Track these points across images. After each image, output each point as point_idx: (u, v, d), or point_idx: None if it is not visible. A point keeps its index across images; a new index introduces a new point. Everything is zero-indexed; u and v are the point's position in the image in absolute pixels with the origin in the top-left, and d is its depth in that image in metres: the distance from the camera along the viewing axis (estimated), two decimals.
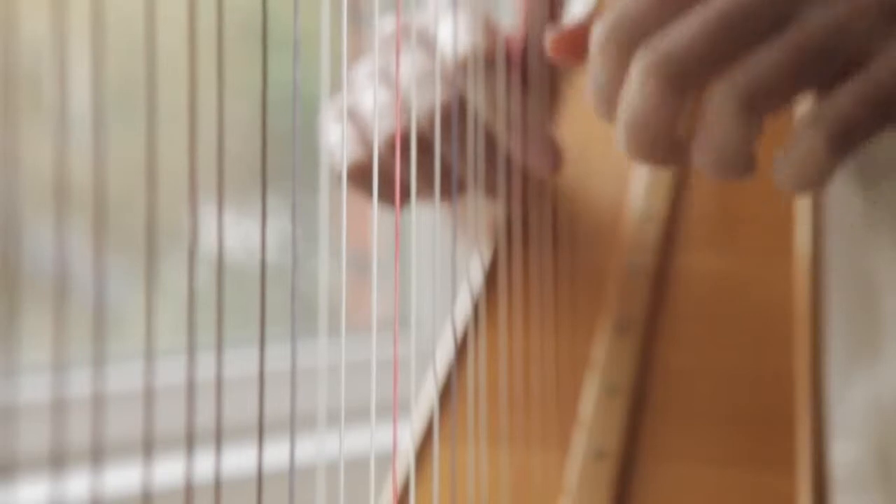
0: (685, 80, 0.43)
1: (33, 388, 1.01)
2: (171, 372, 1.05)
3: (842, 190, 0.71)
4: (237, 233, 1.18)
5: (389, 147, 0.59)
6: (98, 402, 0.33)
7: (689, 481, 0.55)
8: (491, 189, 0.61)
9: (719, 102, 0.42)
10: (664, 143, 0.44)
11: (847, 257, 0.72)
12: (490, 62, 0.59)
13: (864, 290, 0.72)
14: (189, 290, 0.36)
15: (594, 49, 0.45)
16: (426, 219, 1.16)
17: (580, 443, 0.56)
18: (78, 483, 0.33)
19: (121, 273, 1.13)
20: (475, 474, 0.55)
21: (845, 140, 0.43)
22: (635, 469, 0.55)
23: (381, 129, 0.59)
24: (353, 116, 0.62)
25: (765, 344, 0.58)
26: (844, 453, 0.72)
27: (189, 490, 0.36)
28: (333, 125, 0.62)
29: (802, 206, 0.63)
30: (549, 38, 0.50)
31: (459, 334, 0.61)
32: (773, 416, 0.56)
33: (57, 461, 0.31)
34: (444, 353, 0.61)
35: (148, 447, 0.35)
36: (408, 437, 0.58)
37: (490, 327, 0.61)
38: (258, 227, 0.42)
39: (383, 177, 0.60)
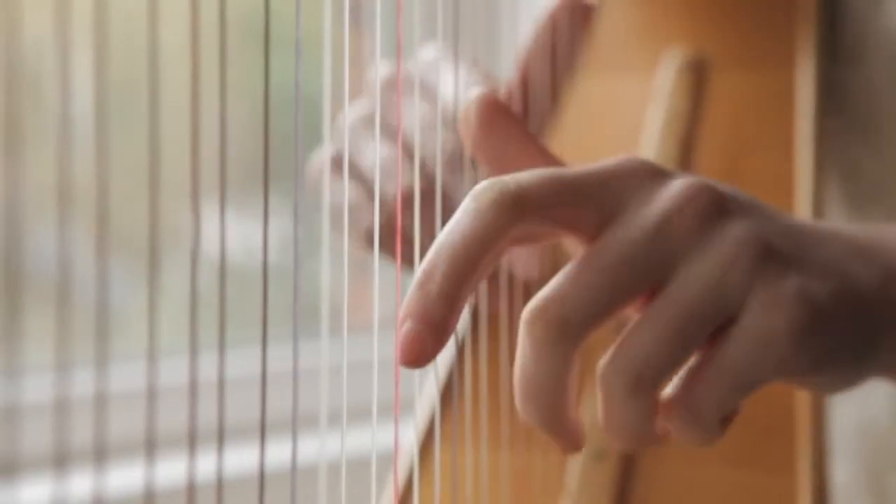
0: (570, 333, 0.42)
1: (36, 388, 1.01)
2: (173, 372, 1.05)
3: (841, 194, 0.72)
4: (239, 233, 1.18)
5: (404, 206, 0.58)
6: (101, 402, 0.33)
7: (689, 482, 0.55)
8: None
9: (608, 389, 0.42)
10: (557, 407, 0.43)
11: None
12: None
13: None
14: (191, 290, 0.36)
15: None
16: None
17: None
18: (80, 482, 0.33)
19: (123, 273, 1.13)
20: (476, 474, 0.56)
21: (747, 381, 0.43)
22: (635, 470, 0.56)
23: (391, 187, 0.58)
24: (356, 172, 0.61)
25: None
26: (838, 474, 0.72)
27: (191, 490, 0.36)
28: (333, 179, 0.61)
29: (802, 209, 0.63)
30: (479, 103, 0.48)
31: (460, 335, 0.61)
32: (772, 417, 0.56)
33: (60, 461, 0.32)
34: (445, 353, 0.61)
35: (150, 447, 0.35)
36: (409, 438, 0.58)
37: (491, 327, 0.61)
38: (260, 228, 0.42)
39: (399, 235, 0.59)
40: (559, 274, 0.43)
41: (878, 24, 0.69)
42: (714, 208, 0.43)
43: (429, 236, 0.57)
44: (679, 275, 0.42)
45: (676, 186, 0.43)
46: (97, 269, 0.34)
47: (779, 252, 0.43)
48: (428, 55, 0.61)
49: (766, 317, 0.42)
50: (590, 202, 0.43)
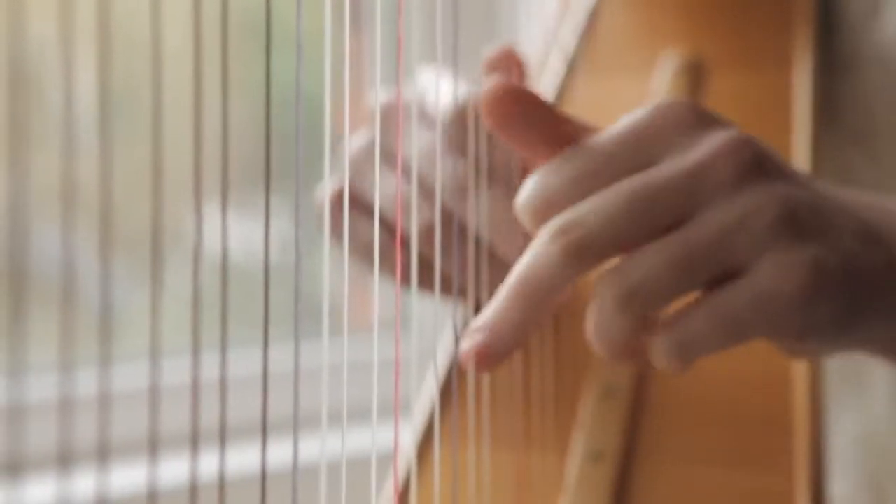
0: (585, 253, 0.44)
1: (40, 388, 1.01)
2: (175, 372, 1.05)
3: (841, 175, 0.72)
4: (240, 233, 1.18)
5: (426, 240, 0.57)
6: (104, 402, 0.33)
7: (687, 483, 0.55)
8: None
9: (600, 297, 0.44)
10: (546, 307, 0.45)
11: None
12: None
13: None
14: (194, 290, 0.37)
15: (518, 205, 0.47)
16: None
17: (579, 444, 0.56)
18: (84, 482, 0.33)
19: (126, 274, 1.13)
20: (475, 474, 0.56)
21: (689, 354, 0.44)
22: (633, 470, 0.56)
23: (412, 222, 0.58)
24: (362, 205, 0.60)
25: (763, 345, 0.59)
26: (839, 486, 0.72)
27: (194, 489, 0.36)
28: (353, 221, 0.60)
29: None
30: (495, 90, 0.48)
31: (460, 335, 0.61)
32: (770, 418, 0.56)
33: (63, 460, 0.32)
34: (444, 353, 0.61)
35: (153, 446, 0.35)
36: (409, 438, 0.58)
37: None
38: (261, 228, 0.42)
39: (427, 268, 0.59)
40: (589, 198, 0.44)
41: (873, 35, 0.69)
42: (751, 165, 0.44)
43: (442, 262, 0.57)
44: (700, 215, 0.44)
45: (719, 137, 0.45)
46: (100, 269, 0.34)
47: (802, 220, 0.44)
48: (427, 78, 0.61)
49: (776, 277, 0.43)
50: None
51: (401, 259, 0.56)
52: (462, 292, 0.60)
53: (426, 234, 0.57)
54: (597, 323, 0.44)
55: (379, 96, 0.61)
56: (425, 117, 0.59)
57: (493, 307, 0.45)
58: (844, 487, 0.72)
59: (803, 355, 0.49)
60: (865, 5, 0.70)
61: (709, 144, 0.45)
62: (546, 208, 0.46)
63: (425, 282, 0.59)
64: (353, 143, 0.62)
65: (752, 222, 0.43)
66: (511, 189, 0.58)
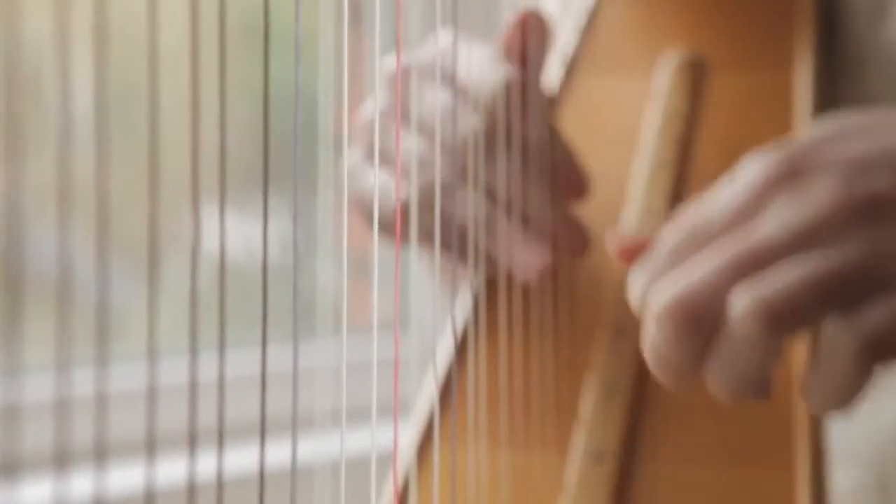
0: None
1: (37, 388, 1.01)
2: (173, 372, 1.05)
3: None
4: (239, 233, 1.18)
5: (430, 191, 0.57)
6: (101, 402, 0.33)
7: (688, 482, 0.55)
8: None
9: (739, 319, 0.41)
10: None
11: None
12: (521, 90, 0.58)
13: None
14: (191, 290, 0.36)
15: (653, 312, 0.44)
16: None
17: (579, 443, 0.56)
18: (81, 482, 0.33)
19: (123, 273, 1.13)
20: (475, 474, 0.56)
21: (879, 350, 0.41)
22: (634, 470, 0.56)
23: (426, 176, 0.58)
24: (386, 161, 0.60)
25: None
26: (845, 482, 0.72)
27: (191, 489, 0.36)
28: (365, 171, 0.61)
29: None
30: (612, 245, 0.48)
31: (459, 335, 0.61)
32: (771, 417, 0.56)
33: (60, 461, 0.32)
34: (444, 353, 0.61)
35: (151, 447, 0.35)
36: (408, 438, 0.58)
37: (490, 328, 0.61)
38: (259, 228, 0.42)
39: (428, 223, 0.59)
40: (700, 258, 0.43)
41: (878, 40, 0.69)
42: (861, 215, 0.42)
43: (459, 221, 0.57)
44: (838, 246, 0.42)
45: (824, 190, 0.43)
46: (97, 269, 0.34)
47: None
48: (444, 41, 0.61)
49: None
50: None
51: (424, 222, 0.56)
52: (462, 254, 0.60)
53: (427, 192, 0.57)
54: (736, 353, 0.42)
55: (396, 60, 0.61)
56: (446, 78, 0.59)
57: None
58: (851, 480, 0.72)
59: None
60: (870, 8, 0.70)
61: (815, 199, 0.43)
62: (695, 316, 0.43)
63: (427, 237, 0.59)
64: (366, 106, 0.62)
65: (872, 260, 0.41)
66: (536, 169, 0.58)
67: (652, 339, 0.43)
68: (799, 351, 0.57)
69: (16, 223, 0.32)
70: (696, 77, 0.70)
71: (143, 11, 0.35)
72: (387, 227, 0.59)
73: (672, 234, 0.45)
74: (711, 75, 0.71)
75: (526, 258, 0.59)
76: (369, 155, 0.61)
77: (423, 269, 0.74)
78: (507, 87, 0.58)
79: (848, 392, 0.42)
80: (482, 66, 0.59)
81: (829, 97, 0.70)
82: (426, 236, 0.58)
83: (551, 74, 0.73)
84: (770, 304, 0.41)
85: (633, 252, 0.47)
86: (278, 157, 0.48)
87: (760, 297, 0.41)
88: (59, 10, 0.32)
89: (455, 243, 0.57)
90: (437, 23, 0.57)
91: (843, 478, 0.72)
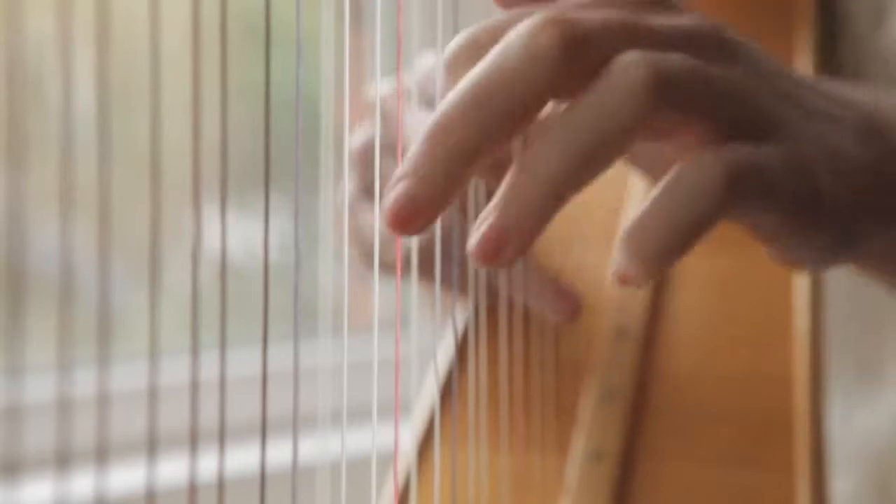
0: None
1: (38, 388, 1.01)
2: (174, 371, 1.05)
3: None
4: (240, 233, 1.18)
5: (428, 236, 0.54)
6: (102, 402, 0.33)
7: (688, 482, 0.55)
8: None
9: (628, 65, 0.35)
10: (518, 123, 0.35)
11: (847, 278, 0.72)
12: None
13: (864, 312, 0.72)
14: (193, 290, 0.37)
15: (446, 63, 0.38)
16: None
17: (579, 444, 0.56)
18: (82, 482, 0.33)
19: (125, 273, 1.13)
20: (475, 474, 0.56)
21: (738, 184, 0.36)
22: (634, 470, 0.56)
23: None
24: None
25: (763, 345, 0.59)
26: (844, 484, 0.72)
27: (193, 489, 0.36)
28: (363, 211, 0.58)
29: None
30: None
31: (460, 335, 0.61)
32: (771, 417, 0.56)
33: (62, 460, 0.32)
34: (445, 353, 0.61)
35: (152, 446, 0.35)
36: (409, 438, 0.58)
37: (491, 328, 0.61)
38: (260, 228, 0.42)
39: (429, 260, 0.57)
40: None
41: (877, 43, 0.69)
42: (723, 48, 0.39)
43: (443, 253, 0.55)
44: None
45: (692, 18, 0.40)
46: (99, 268, 0.34)
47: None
48: (427, 63, 0.61)
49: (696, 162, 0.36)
50: None
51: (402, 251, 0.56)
52: (462, 287, 0.59)
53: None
54: (608, 103, 0.35)
55: (379, 87, 0.60)
56: (426, 102, 0.58)
57: (436, 119, 0.35)
58: (849, 484, 0.72)
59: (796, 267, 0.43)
60: (870, 14, 0.70)
61: (689, 19, 0.39)
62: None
63: (427, 273, 0.58)
64: (356, 138, 0.61)
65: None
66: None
67: (505, 51, 0.35)
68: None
69: (18, 223, 0.32)
70: None
71: (145, 12, 0.35)
72: (387, 266, 0.57)
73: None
74: None
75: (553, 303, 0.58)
76: (364, 188, 0.60)
77: (421, 302, 0.73)
78: None
79: (687, 232, 0.36)
80: None
81: None
82: (427, 273, 0.55)
83: None
84: (663, 67, 0.35)
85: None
86: (279, 156, 0.48)
87: (655, 57, 0.36)
88: (60, 10, 0.32)
89: (456, 278, 0.56)
90: (438, 23, 0.57)
91: (841, 483, 0.72)
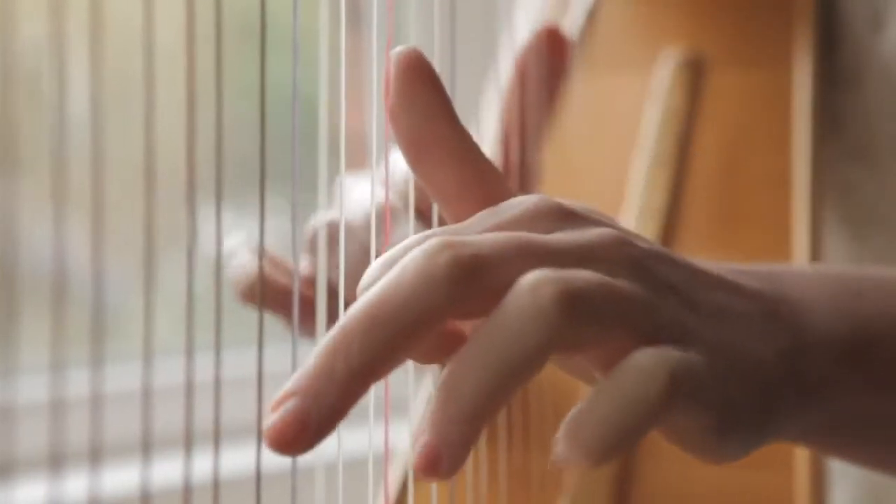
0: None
1: (32, 389, 1.01)
2: (169, 372, 1.05)
3: (843, 188, 0.72)
4: (236, 233, 1.17)
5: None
6: (96, 403, 0.33)
7: (689, 482, 0.55)
8: None
9: (534, 286, 0.35)
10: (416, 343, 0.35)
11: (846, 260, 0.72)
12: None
13: None
14: (188, 290, 0.36)
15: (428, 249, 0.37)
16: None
17: None
18: (76, 483, 0.33)
19: (119, 273, 1.13)
20: (474, 474, 0.55)
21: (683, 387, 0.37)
22: (634, 470, 0.55)
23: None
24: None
25: None
26: (839, 496, 0.72)
27: (187, 490, 0.36)
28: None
29: (802, 206, 0.63)
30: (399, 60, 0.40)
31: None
32: None
33: (55, 461, 0.32)
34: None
35: (146, 447, 0.35)
36: (406, 437, 0.58)
37: None
38: (257, 228, 0.42)
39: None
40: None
41: (875, 49, 0.69)
42: (636, 257, 0.39)
43: None
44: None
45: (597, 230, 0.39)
46: (93, 269, 0.34)
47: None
48: (359, 194, 0.59)
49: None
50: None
51: None
52: None
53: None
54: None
55: (319, 220, 0.58)
56: (352, 234, 0.56)
57: (328, 341, 0.34)
58: (845, 495, 0.72)
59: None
60: (868, 20, 0.70)
61: (591, 233, 0.39)
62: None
63: None
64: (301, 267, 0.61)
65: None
66: None
67: (400, 275, 0.35)
68: None
69: (11, 223, 0.32)
70: (695, 76, 0.70)
71: (139, 12, 0.35)
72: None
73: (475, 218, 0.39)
74: (711, 74, 0.71)
75: None
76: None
77: None
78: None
79: (632, 430, 0.36)
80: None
81: (825, 109, 0.70)
82: None
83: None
84: (571, 285, 0.35)
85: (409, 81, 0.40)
86: (276, 156, 0.48)
87: (560, 276, 0.36)
88: (55, 10, 0.32)
89: None
90: (435, 23, 0.57)
91: (837, 492, 0.72)
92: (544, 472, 0.56)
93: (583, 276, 0.36)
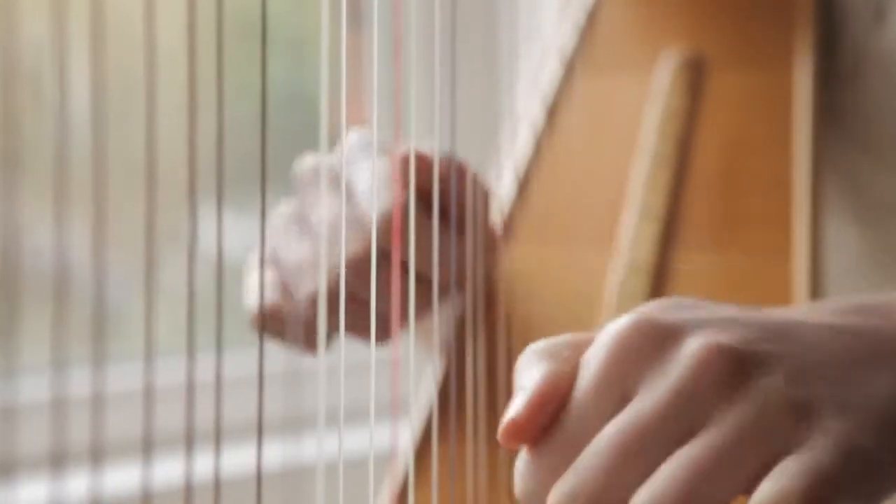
0: None
1: (33, 388, 1.01)
2: (170, 372, 1.05)
3: (850, 181, 0.72)
4: (236, 233, 1.18)
5: (310, 302, 0.57)
6: (98, 402, 0.33)
7: None
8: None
9: None
10: None
11: (848, 275, 0.72)
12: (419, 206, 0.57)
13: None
14: (189, 290, 0.36)
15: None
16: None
17: None
18: (77, 483, 0.33)
19: (120, 273, 1.13)
20: (474, 474, 0.55)
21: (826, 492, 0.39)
22: None
23: (303, 284, 0.58)
24: (276, 263, 0.60)
25: None
26: None
27: (189, 490, 0.36)
28: (254, 270, 0.61)
29: (802, 206, 0.63)
30: (503, 429, 0.43)
31: (458, 334, 0.61)
32: None
33: (57, 461, 0.32)
34: (443, 352, 0.61)
35: (147, 447, 0.35)
36: (407, 437, 0.58)
37: (489, 327, 0.61)
38: (257, 228, 0.42)
39: (301, 324, 0.58)
40: (587, 454, 0.41)
41: (878, 43, 0.69)
42: (734, 370, 0.40)
43: (349, 329, 0.56)
44: (713, 422, 0.40)
45: (690, 350, 0.41)
46: (94, 268, 0.34)
47: (812, 406, 0.41)
48: (351, 143, 0.60)
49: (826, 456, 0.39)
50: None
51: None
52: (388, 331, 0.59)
53: (310, 300, 0.57)
54: None
55: (303, 162, 0.60)
56: (339, 188, 0.58)
57: None
58: None
59: None
60: (869, 13, 0.70)
61: (683, 363, 0.41)
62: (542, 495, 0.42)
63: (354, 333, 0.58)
64: (278, 211, 0.62)
65: (768, 418, 0.40)
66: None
67: None
68: None
69: (14, 222, 0.32)
70: (695, 76, 0.70)
71: (141, 10, 0.35)
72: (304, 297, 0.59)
73: (553, 436, 0.42)
74: (711, 74, 0.71)
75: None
76: (270, 257, 0.61)
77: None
78: (393, 213, 0.56)
79: None
80: (379, 180, 0.57)
81: (828, 102, 0.70)
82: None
83: (550, 74, 0.73)
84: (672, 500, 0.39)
85: (518, 433, 0.43)
86: (276, 156, 0.48)
87: (659, 495, 0.39)
88: (56, 9, 0.32)
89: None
90: (436, 23, 0.57)
91: None
92: None
93: (671, 482, 0.39)
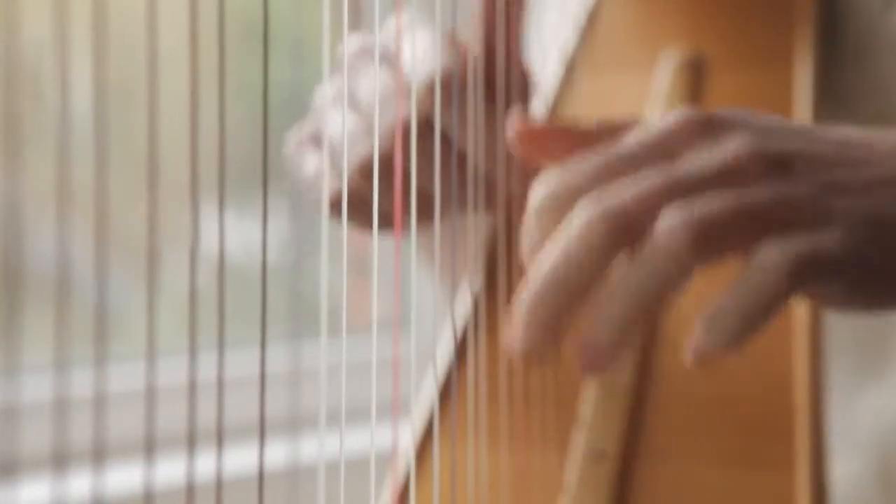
0: (625, 224, 0.44)
1: (35, 388, 1.01)
2: (172, 372, 1.05)
3: None
4: (238, 233, 1.18)
5: (363, 174, 0.59)
6: (100, 402, 0.33)
7: (689, 482, 0.55)
8: (488, 201, 0.61)
9: (668, 230, 0.43)
10: (581, 296, 0.44)
11: None
12: (458, 82, 0.59)
13: None
14: (190, 290, 0.36)
15: (531, 209, 0.46)
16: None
17: (580, 443, 0.56)
18: (79, 482, 0.33)
19: (122, 273, 1.13)
20: (475, 474, 0.56)
21: (802, 271, 0.43)
22: (635, 469, 0.56)
23: (352, 156, 0.59)
24: (323, 143, 0.61)
25: (764, 344, 0.59)
26: (845, 472, 0.72)
27: (190, 490, 0.36)
28: (306, 154, 0.62)
29: None
30: (515, 129, 0.49)
31: (459, 334, 0.61)
32: (771, 416, 0.56)
33: (59, 461, 0.32)
34: (444, 352, 0.61)
35: (149, 447, 0.35)
36: (408, 437, 0.58)
37: (490, 327, 0.61)
38: (259, 228, 0.42)
39: (362, 203, 0.60)
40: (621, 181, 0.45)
41: (886, 27, 0.69)
42: (774, 167, 0.45)
43: (388, 204, 0.59)
44: (759, 184, 0.45)
45: (736, 143, 0.46)
46: (96, 268, 0.34)
47: (844, 184, 0.46)
48: (392, 27, 0.62)
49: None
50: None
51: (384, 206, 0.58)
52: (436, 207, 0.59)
53: (362, 169, 0.58)
54: (658, 263, 0.43)
55: (348, 43, 0.62)
56: (388, 62, 0.60)
57: (526, 299, 0.44)
58: (852, 470, 0.72)
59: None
60: (879, 1, 0.70)
61: (728, 149, 0.45)
62: (567, 200, 0.46)
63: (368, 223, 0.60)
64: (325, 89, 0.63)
65: (797, 200, 0.44)
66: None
67: (568, 246, 0.44)
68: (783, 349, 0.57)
69: (15, 223, 0.32)
70: (695, 76, 0.70)
71: (142, 12, 0.35)
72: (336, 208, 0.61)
73: (590, 158, 0.46)
74: (711, 74, 0.71)
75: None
76: (314, 138, 0.62)
77: (420, 262, 0.74)
78: (444, 77, 0.58)
79: (756, 317, 0.43)
80: (424, 51, 0.59)
81: (836, 84, 0.70)
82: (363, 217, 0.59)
83: (550, 73, 0.73)
84: (701, 221, 0.43)
85: (537, 138, 0.48)
86: (278, 157, 0.48)
87: (691, 214, 0.43)
88: (58, 11, 0.32)
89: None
90: (437, 24, 0.57)
91: (844, 468, 0.72)
92: (545, 472, 0.56)
93: (717, 204, 0.43)
